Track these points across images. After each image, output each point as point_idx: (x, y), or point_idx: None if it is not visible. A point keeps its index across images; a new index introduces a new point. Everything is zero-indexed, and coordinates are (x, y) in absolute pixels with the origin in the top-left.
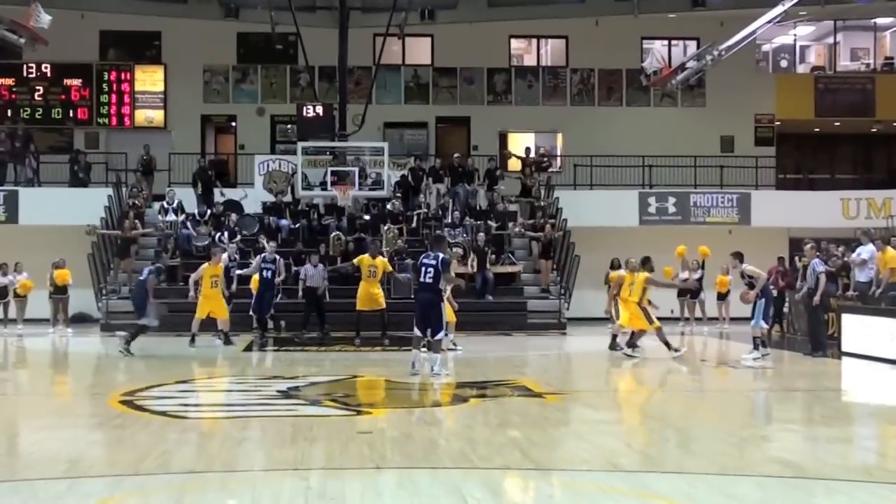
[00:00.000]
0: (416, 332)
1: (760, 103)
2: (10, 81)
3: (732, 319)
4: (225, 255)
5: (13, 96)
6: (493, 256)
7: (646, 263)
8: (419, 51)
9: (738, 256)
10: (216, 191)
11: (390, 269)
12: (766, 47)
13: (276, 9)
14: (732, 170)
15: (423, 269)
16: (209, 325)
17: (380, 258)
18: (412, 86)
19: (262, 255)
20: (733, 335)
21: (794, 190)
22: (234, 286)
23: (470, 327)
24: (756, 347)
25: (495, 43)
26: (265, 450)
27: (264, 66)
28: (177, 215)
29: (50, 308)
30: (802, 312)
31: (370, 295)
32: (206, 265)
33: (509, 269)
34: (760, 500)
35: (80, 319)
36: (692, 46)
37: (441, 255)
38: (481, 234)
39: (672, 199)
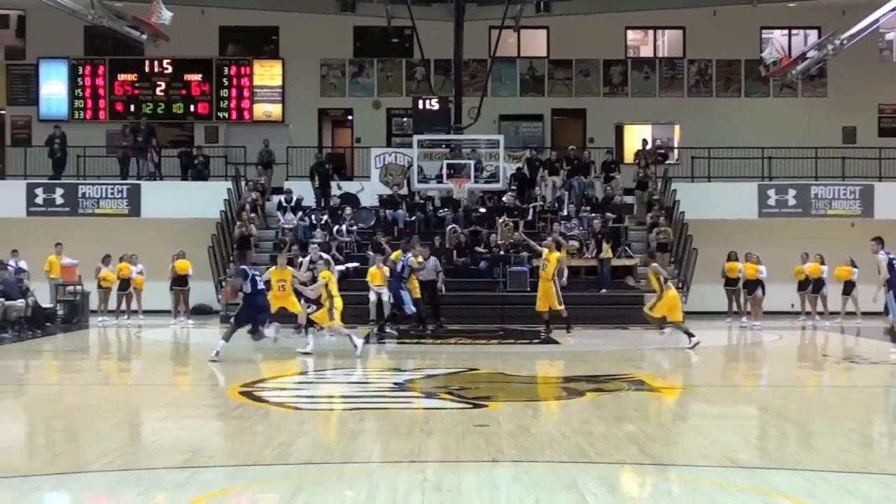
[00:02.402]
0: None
1: (884, 93)
2: (132, 77)
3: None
4: (306, 260)
5: (135, 92)
6: (610, 248)
7: None
8: (535, 43)
9: (880, 242)
10: (333, 184)
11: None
12: (889, 36)
13: (391, 2)
14: (855, 161)
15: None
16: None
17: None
18: (528, 78)
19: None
20: (861, 330)
21: None
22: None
23: (585, 321)
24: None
25: (611, 34)
26: (382, 442)
27: (380, 60)
28: (294, 213)
29: (171, 300)
30: None
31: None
32: (272, 268)
33: (626, 262)
34: (883, 498)
35: (200, 311)
36: (813, 36)
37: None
38: (596, 222)
39: (792, 192)
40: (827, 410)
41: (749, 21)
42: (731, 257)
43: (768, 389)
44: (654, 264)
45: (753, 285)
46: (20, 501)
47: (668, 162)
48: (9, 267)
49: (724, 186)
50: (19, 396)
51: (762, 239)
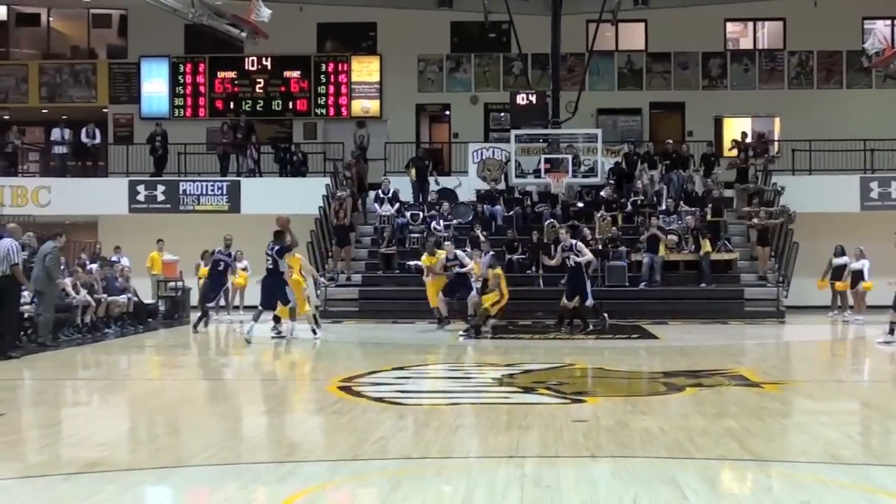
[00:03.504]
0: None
1: None
2: (232, 74)
3: None
4: (442, 257)
5: (235, 89)
6: (709, 243)
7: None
8: (633, 36)
9: None
10: (430, 179)
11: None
12: None
13: None
14: None
15: (267, 258)
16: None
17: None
18: (626, 72)
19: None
20: None
21: None
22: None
23: (685, 315)
24: None
25: (710, 26)
26: (480, 437)
27: (478, 55)
28: (391, 205)
29: None
30: None
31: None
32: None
33: (725, 256)
34: None
35: None
36: None
37: (278, 246)
38: (689, 217)
39: (895, 184)
40: None
41: (851, 11)
42: (838, 252)
43: (871, 385)
44: (499, 269)
45: (856, 279)
46: (124, 495)
47: (767, 155)
48: (112, 263)
49: (825, 179)
50: (122, 391)
51: (864, 232)
